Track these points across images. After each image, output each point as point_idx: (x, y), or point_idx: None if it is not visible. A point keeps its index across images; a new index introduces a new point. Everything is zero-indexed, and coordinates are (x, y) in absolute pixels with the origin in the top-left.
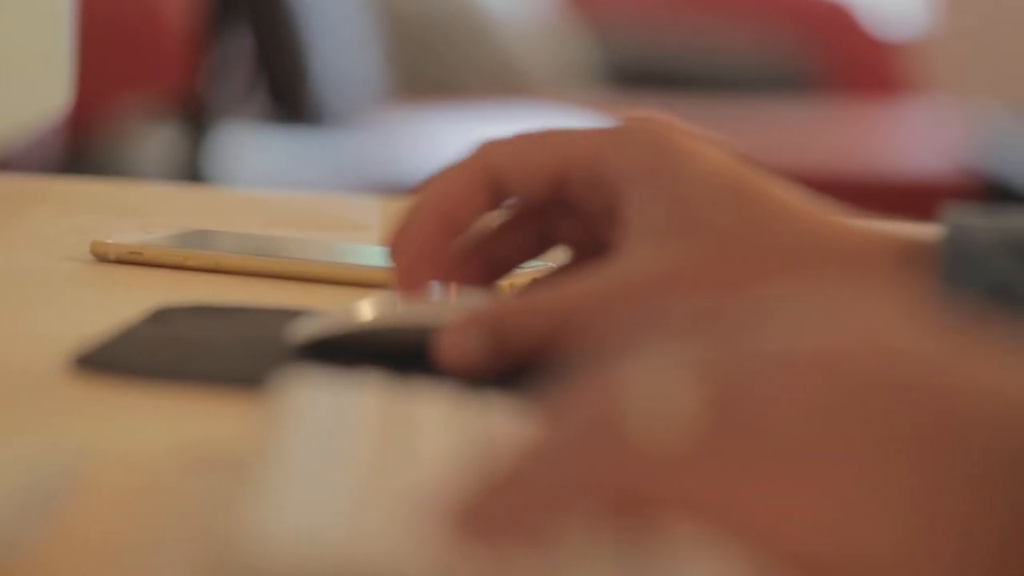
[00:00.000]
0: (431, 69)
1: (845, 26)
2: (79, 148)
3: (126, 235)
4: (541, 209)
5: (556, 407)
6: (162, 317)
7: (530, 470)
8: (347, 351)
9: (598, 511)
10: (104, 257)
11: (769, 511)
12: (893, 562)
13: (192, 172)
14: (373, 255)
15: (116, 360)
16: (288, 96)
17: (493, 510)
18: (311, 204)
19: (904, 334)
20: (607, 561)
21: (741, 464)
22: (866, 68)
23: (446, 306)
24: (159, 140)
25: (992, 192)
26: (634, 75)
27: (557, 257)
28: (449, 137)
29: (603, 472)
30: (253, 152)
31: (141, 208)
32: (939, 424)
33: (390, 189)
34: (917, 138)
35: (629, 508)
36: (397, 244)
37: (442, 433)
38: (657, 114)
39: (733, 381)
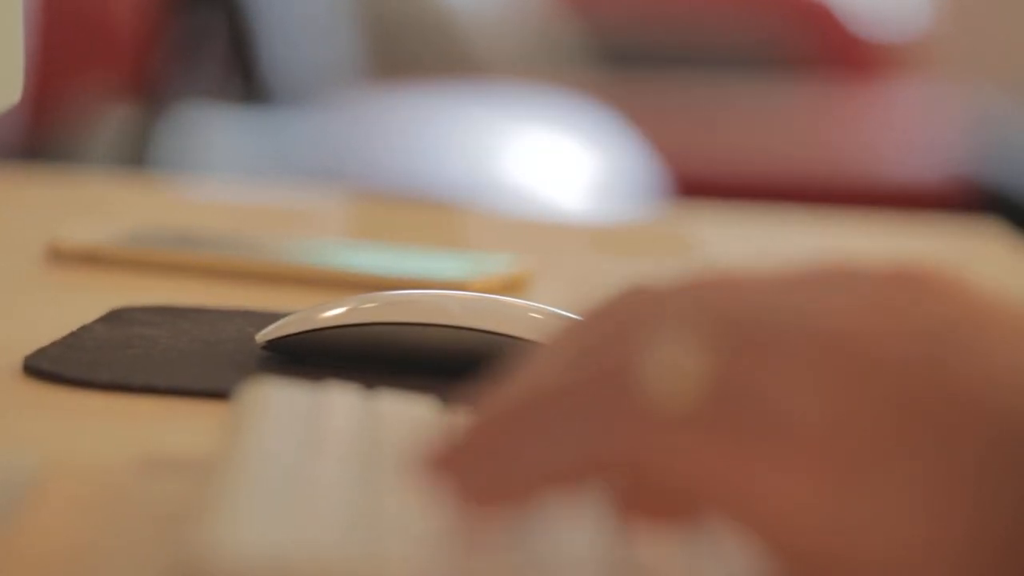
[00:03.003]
0: (400, 50)
1: (828, 18)
2: (36, 133)
3: (84, 234)
4: None
5: (585, 318)
6: (118, 318)
7: (529, 406)
8: (312, 351)
9: (591, 470)
10: (61, 256)
11: (770, 488)
12: (897, 560)
13: (151, 155)
14: (338, 254)
15: (66, 365)
16: (253, 77)
17: (484, 443)
18: (275, 201)
19: (940, 315)
20: (592, 557)
21: (742, 435)
22: (851, 63)
23: (422, 303)
24: (117, 123)
25: (985, 198)
26: (618, 57)
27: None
28: (419, 120)
29: (605, 423)
30: (216, 134)
31: (100, 205)
32: (949, 411)
33: (354, 172)
34: (904, 135)
35: (625, 468)
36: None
37: (408, 443)
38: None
39: (747, 349)
